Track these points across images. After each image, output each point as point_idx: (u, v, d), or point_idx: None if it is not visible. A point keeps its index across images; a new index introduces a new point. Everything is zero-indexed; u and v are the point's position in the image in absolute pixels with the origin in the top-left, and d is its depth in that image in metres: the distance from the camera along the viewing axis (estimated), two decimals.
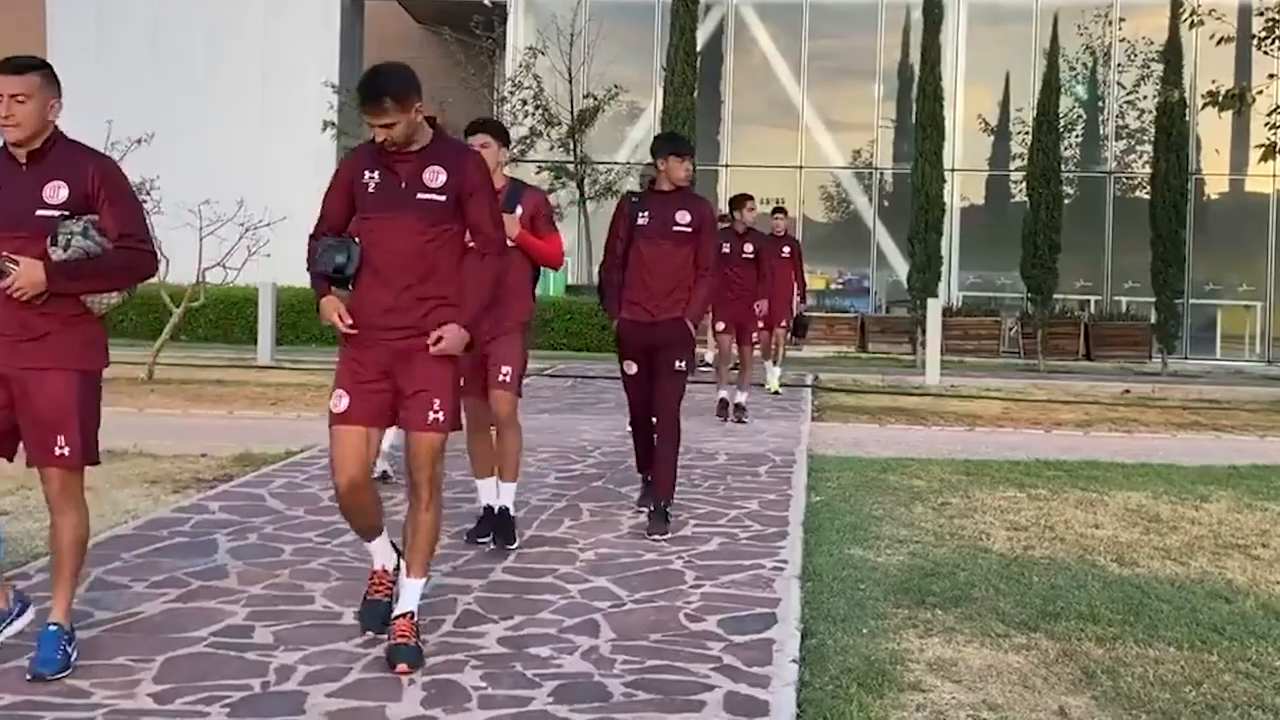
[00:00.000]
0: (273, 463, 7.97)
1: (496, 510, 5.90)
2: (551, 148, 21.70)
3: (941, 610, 4.98)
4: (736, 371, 11.00)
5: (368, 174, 4.28)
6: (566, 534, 6.17)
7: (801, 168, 23.26)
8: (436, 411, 4.23)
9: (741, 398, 10.80)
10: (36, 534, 5.79)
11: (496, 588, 5.17)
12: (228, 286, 15.24)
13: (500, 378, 5.73)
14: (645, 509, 6.44)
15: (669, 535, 6.13)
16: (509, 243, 4.82)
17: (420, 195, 4.22)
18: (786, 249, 12.50)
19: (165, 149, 15.09)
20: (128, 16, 23.34)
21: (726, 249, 10.24)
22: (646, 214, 6.41)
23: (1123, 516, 7.02)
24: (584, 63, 21.56)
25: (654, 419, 6.50)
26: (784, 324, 12.56)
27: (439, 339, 4.19)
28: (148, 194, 13.09)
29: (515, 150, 22.93)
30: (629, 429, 6.93)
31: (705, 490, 7.46)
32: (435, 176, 4.23)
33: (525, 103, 21.18)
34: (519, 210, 5.74)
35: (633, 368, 6.43)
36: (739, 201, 10.87)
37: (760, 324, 11.08)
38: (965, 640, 4.61)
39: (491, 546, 5.83)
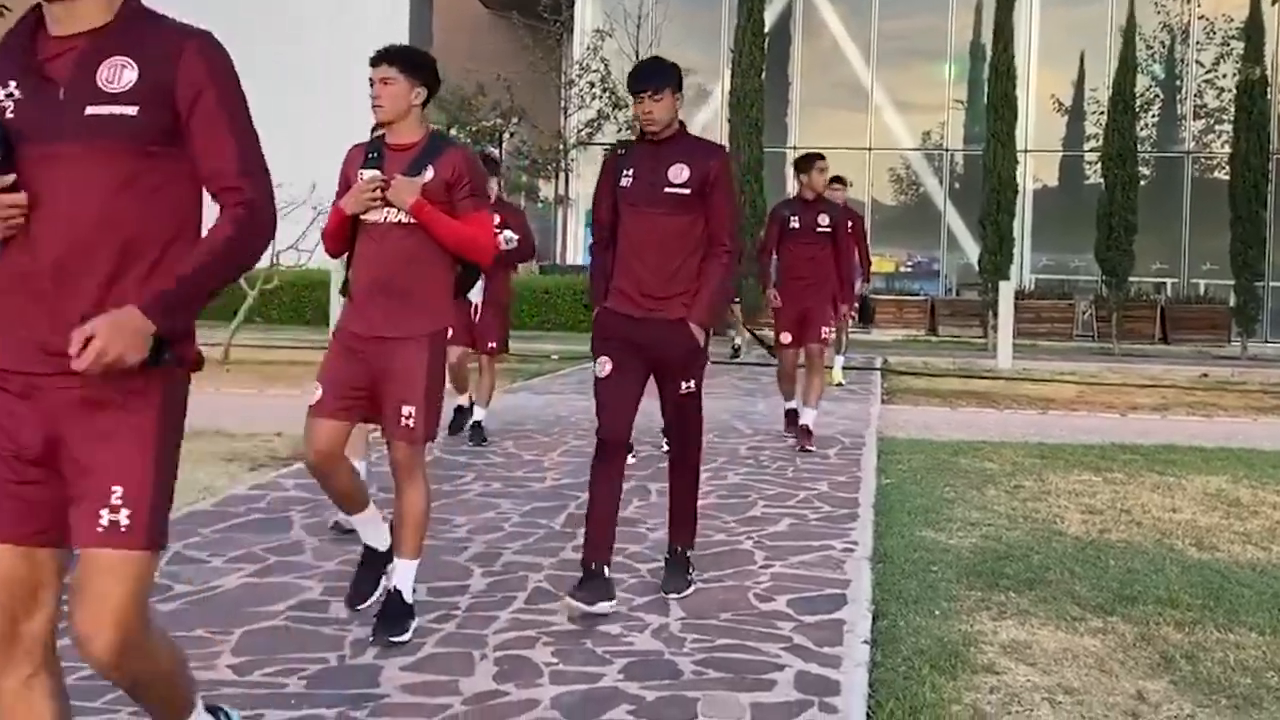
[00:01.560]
0: None
1: (390, 589, 4.24)
2: (619, 130, 21.71)
3: (1015, 593, 4.92)
4: (804, 371, 8.59)
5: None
6: (635, 514, 6.18)
7: (871, 150, 23.04)
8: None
9: (809, 417, 8.34)
10: None
11: (566, 566, 5.20)
12: (301, 269, 15.45)
13: (403, 421, 4.12)
14: (579, 603, 4.40)
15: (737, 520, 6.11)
16: (407, 219, 4.18)
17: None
18: (849, 223, 11.24)
19: None
20: (204, 9, 23.68)
21: (795, 223, 8.47)
22: (631, 172, 4.69)
23: (1201, 500, 6.89)
24: (651, 45, 21.51)
25: (630, 453, 6.14)
26: (848, 308, 10.51)
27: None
28: None
29: (583, 133, 23.03)
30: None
31: (774, 472, 7.44)
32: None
33: (593, 85, 21.20)
34: (428, 173, 4.18)
35: (606, 366, 4.63)
36: (807, 162, 8.60)
37: (833, 316, 8.87)
38: (1040, 623, 4.55)
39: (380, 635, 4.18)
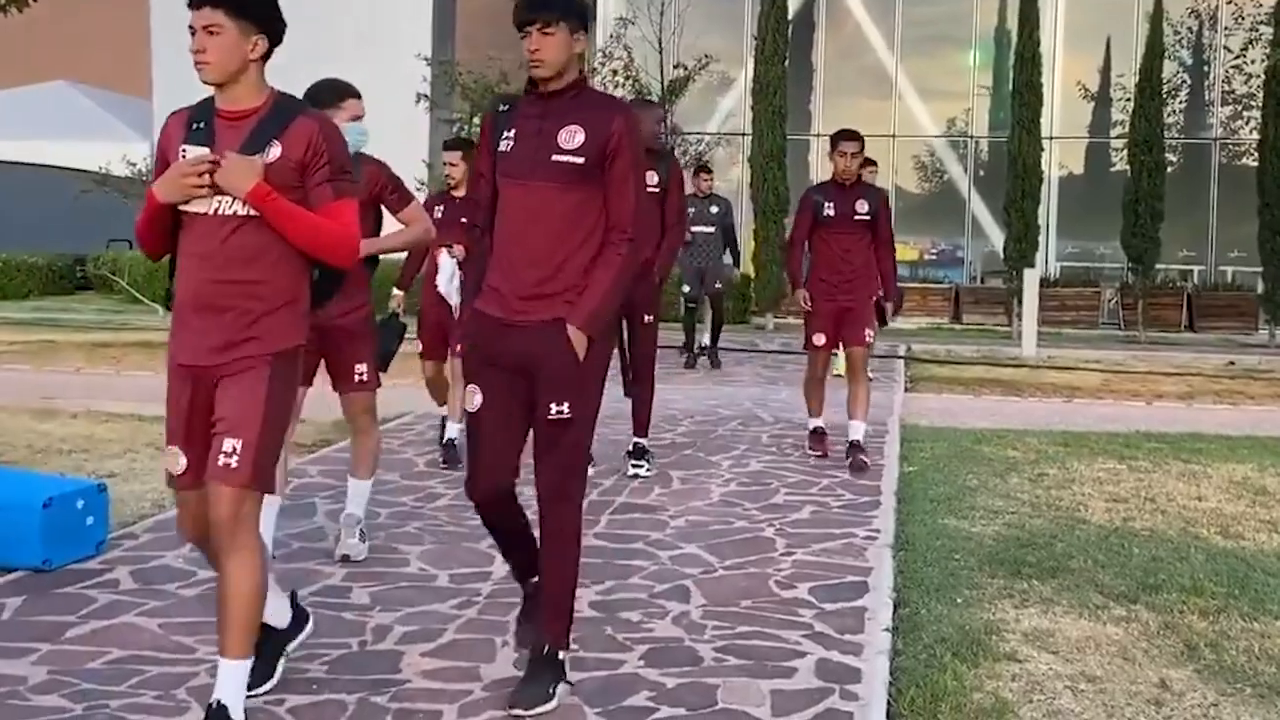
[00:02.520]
0: None
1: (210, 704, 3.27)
2: None
3: (1038, 581, 4.90)
4: (845, 380, 7.64)
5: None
6: (656, 501, 6.18)
7: (895, 137, 22.91)
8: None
9: (859, 431, 7.25)
10: (143, 495, 5.97)
11: (587, 553, 5.18)
12: None
13: (223, 460, 3.19)
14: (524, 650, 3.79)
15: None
16: (246, 210, 3.22)
17: None
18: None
19: None
20: None
21: (830, 210, 7.23)
22: (512, 134, 3.61)
23: (1227, 489, 6.84)
24: (674, 32, 21.43)
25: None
26: (893, 306, 9.37)
27: None
28: None
29: None
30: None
31: (797, 459, 7.43)
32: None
33: (616, 73, 21.14)
34: (273, 150, 3.25)
35: (475, 398, 3.60)
36: (831, 142, 7.37)
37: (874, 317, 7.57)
38: (1063, 611, 4.53)
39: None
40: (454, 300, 6.77)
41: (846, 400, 7.36)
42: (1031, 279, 16.57)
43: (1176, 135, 22.25)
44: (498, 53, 21.60)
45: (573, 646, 3.75)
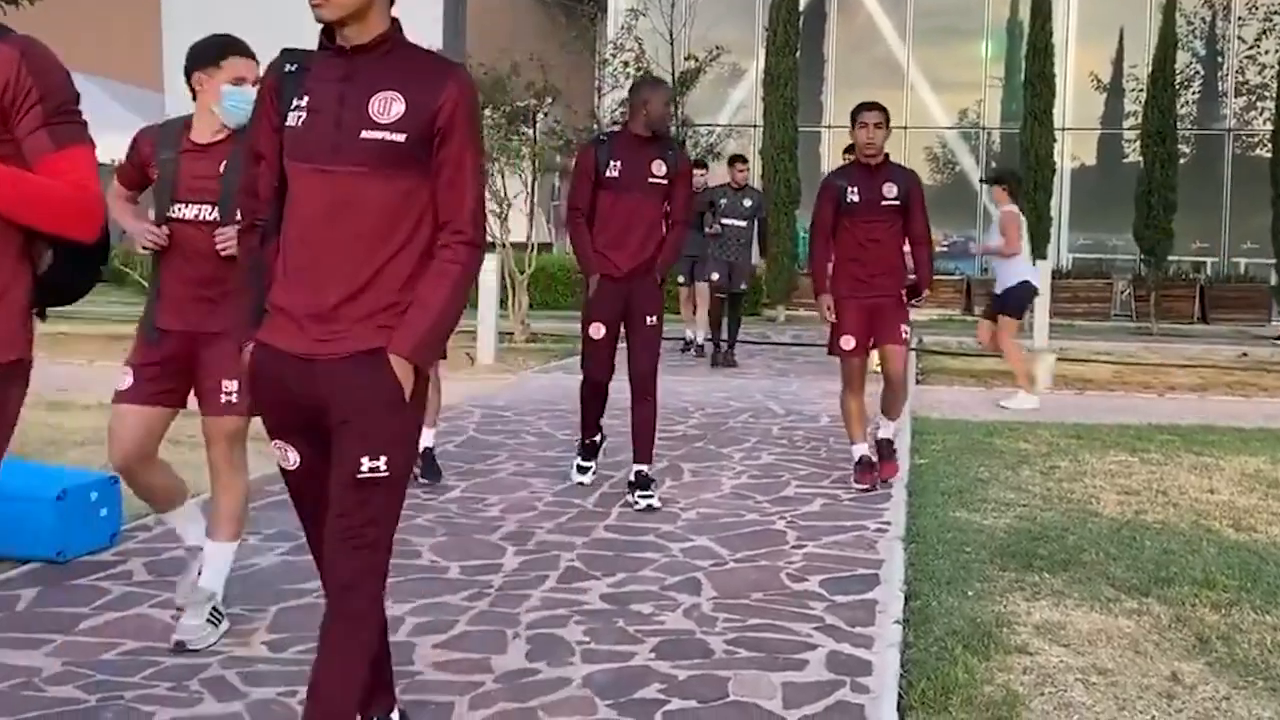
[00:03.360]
0: None
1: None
2: None
3: (1049, 574, 4.89)
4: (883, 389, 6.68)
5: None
6: (668, 494, 6.18)
7: (907, 128, 22.84)
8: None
9: (889, 430, 6.71)
10: None
11: (599, 545, 5.21)
12: None
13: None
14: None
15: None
16: None
17: None
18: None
19: None
20: None
21: (854, 195, 6.38)
22: (303, 105, 2.71)
23: (1239, 482, 6.82)
24: (685, 24, 21.39)
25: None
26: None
27: None
28: None
29: (617, 113, 22.95)
30: None
31: (808, 452, 7.43)
32: None
33: (627, 65, 21.12)
34: None
35: (290, 454, 2.81)
36: (867, 109, 6.45)
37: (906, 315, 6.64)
38: (1074, 604, 4.52)
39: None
40: None
41: (881, 398, 6.62)
42: (1043, 270, 16.53)
43: (1189, 126, 22.15)
44: (509, 44, 21.60)
45: (583, 639, 3.74)
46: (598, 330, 6.06)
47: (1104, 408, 9.75)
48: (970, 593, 4.62)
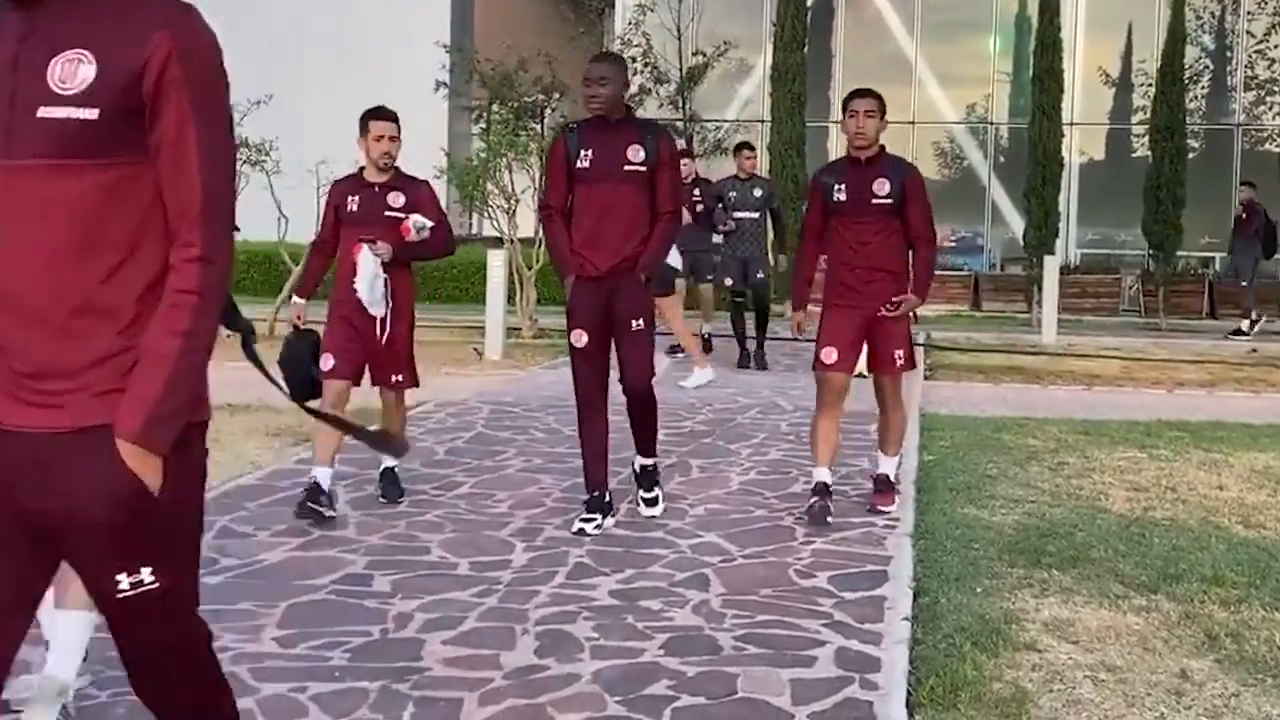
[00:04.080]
0: None
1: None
2: (660, 105, 21.60)
3: (1058, 570, 4.89)
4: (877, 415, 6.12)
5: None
6: (676, 490, 6.19)
7: (915, 124, 22.81)
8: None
9: (889, 466, 5.93)
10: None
11: (608, 541, 5.22)
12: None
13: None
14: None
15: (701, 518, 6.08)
16: None
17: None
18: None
19: (284, 111, 15.38)
20: None
21: (841, 194, 5.65)
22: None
23: (1249, 478, 6.81)
24: (693, 19, 21.38)
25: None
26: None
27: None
28: (267, 154, 13.40)
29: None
30: None
31: None
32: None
33: (634, 60, 21.10)
34: None
35: None
36: (859, 96, 5.74)
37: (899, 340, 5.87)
38: (1083, 601, 4.52)
39: None
40: (378, 311, 5.56)
41: (877, 430, 5.99)
42: (1052, 266, 16.51)
43: (1198, 121, 22.08)
44: (516, 40, 21.60)
45: (592, 635, 3.75)
46: (579, 337, 5.40)
47: (1112, 404, 9.74)
48: (979, 589, 4.62)
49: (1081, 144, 22.82)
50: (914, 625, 4.21)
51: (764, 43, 22.01)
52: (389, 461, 5.81)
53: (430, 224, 5.62)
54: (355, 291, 5.52)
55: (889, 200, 5.66)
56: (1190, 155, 20.02)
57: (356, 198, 5.64)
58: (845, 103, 5.78)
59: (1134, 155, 22.53)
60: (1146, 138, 19.99)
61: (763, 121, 21.34)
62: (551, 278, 15.66)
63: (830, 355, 5.68)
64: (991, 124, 23.32)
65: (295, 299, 5.79)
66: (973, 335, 16.03)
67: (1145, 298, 20.26)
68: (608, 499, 5.46)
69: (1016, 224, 21.38)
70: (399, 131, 5.66)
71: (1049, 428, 8.26)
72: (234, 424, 7.57)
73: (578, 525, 5.32)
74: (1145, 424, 8.49)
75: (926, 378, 11.24)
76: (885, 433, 5.93)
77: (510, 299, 12.96)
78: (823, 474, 5.71)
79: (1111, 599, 4.55)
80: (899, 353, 5.73)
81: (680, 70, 21.31)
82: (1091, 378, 11.60)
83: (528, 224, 16.00)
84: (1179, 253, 19.75)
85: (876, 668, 3.80)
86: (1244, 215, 17.26)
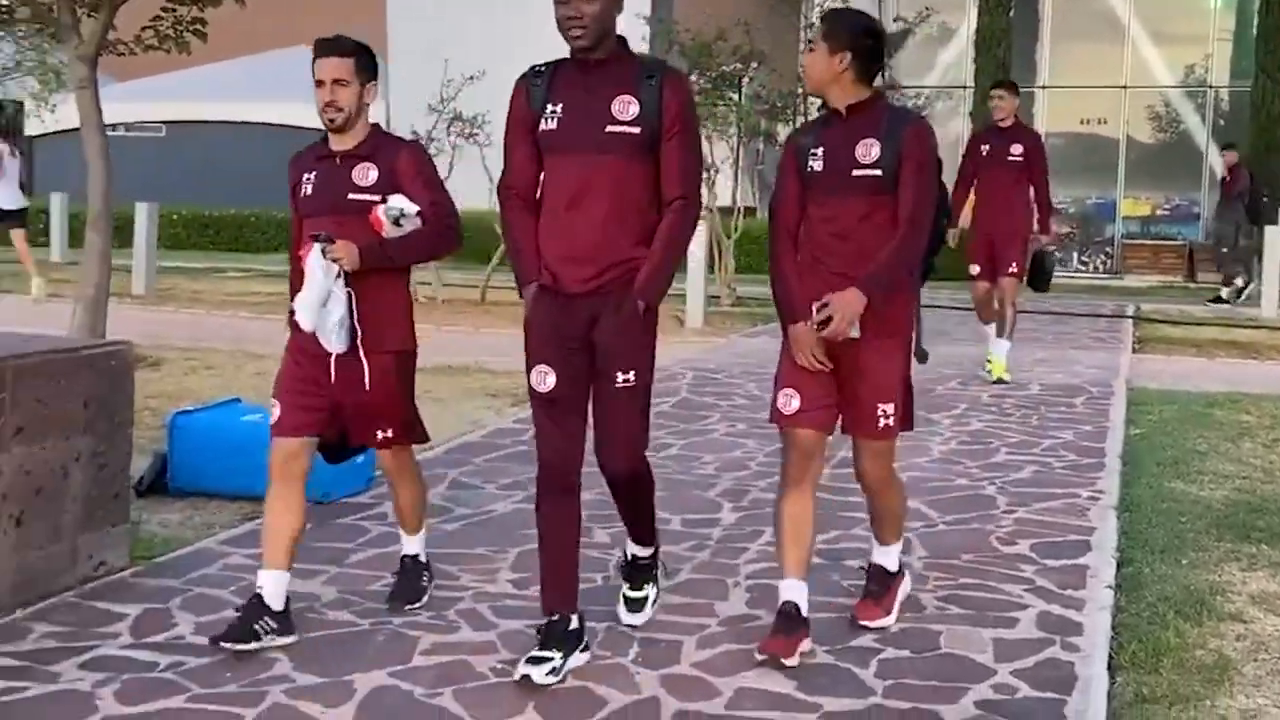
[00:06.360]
0: None
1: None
2: None
3: (1268, 545, 4.87)
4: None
5: None
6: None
7: (1126, 88, 22.01)
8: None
9: (890, 556, 4.14)
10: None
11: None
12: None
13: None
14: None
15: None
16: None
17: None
18: (1017, 148, 8.56)
19: (495, 85, 15.96)
20: None
21: (816, 161, 3.71)
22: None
23: None
24: None
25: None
26: (1014, 270, 8.53)
27: None
28: (479, 129, 13.97)
29: None
30: None
31: (1018, 420, 7.44)
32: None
33: None
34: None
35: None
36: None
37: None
38: None
39: None
40: (334, 343, 3.74)
41: (869, 513, 4.21)
42: (1274, 236, 15.78)
43: None
44: (714, 9, 21.76)
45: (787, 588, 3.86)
46: (541, 377, 3.54)
47: None
48: (1184, 561, 4.65)
49: None
50: (1117, 593, 4.30)
51: (968, 6, 21.57)
52: (409, 548, 4.14)
53: (415, 208, 3.76)
54: (294, 318, 3.77)
55: (876, 171, 3.70)
56: None
57: (312, 175, 3.85)
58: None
59: None
60: None
61: (965, 88, 20.97)
62: (750, 244, 15.86)
63: (789, 403, 3.77)
64: (1211, 87, 22.26)
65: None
66: (1185, 308, 15.51)
67: None
68: (573, 625, 3.58)
69: None
70: (355, 72, 3.77)
71: (1264, 404, 8.04)
72: (454, 385, 8.07)
73: (521, 670, 3.46)
74: None
75: (1135, 350, 11.00)
76: (878, 515, 4.10)
77: (710, 267, 13.22)
78: (792, 588, 3.77)
79: None
80: (885, 408, 3.81)
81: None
82: None
83: (725, 193, 16.21)
84: None
85: (1078, 631, 3.91)
86: (1228, 178, 16.74)
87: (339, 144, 3.81)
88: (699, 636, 3.85)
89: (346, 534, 4.82)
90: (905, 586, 4.14)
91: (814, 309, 3.65)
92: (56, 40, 9.67)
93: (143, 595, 4.09)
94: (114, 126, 12.13)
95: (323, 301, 3.68)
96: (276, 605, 3.67)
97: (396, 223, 3.71)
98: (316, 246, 3.67)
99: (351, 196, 3.75)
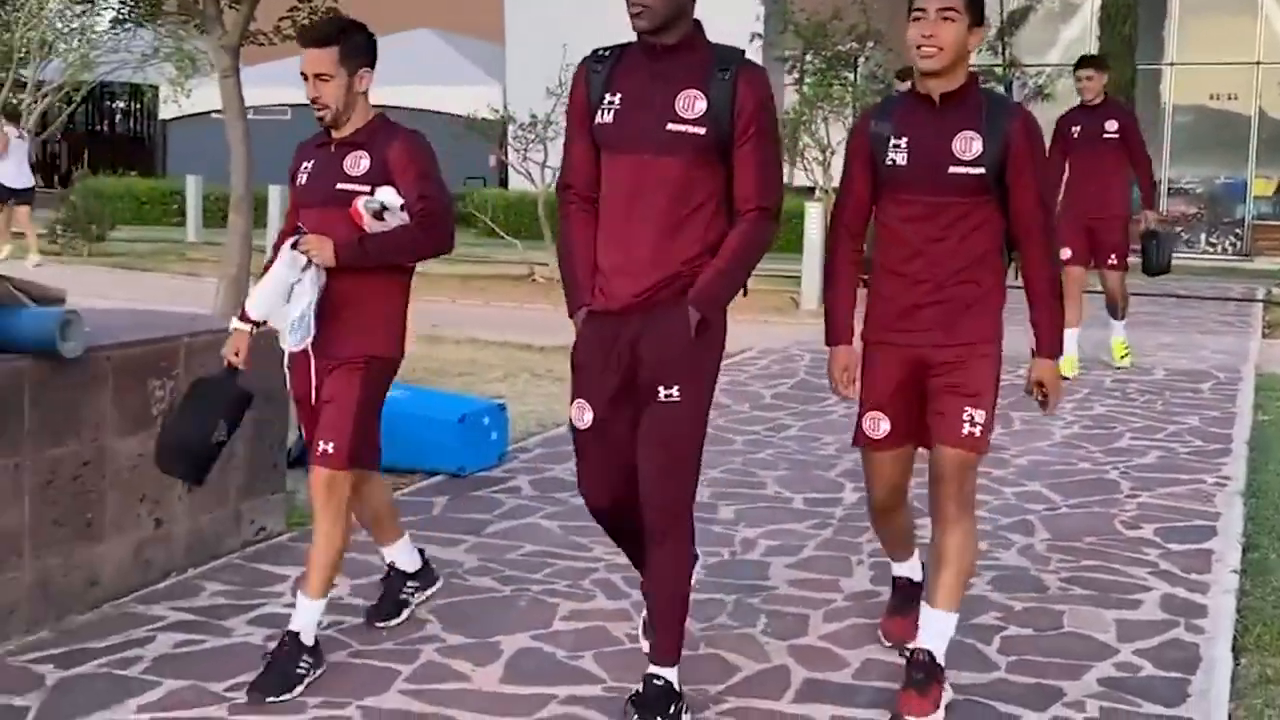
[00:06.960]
0: None
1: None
2: (979, 51, 21.18)
3: None
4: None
5: None
6: (998, 440, 6.30)
7: (1260, 64, 21.33)
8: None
9: (941, 635, 3.36)
10: (529, 415, 6.70)
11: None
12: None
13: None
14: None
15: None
16: None
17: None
18: (1112, 124, 8.19)
19: None
20: None
21: (898, 154, 3.33)
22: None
23: None
24: None
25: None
26: (1115, 261, 8.14)
27: None
28: None
29: None
30: None
31: (1142, 405, 7.39)
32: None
33: None
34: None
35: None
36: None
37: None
38: None
39: None
40: (290, 341, 3.48)
41: (928, 558, 3.56)
42: None
43: None
44: None
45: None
46: (581, 413, 3.19)
47: None
48: None
49: None
50: (1242, 577, 4.32)
51: None
52: (394, 557, 3.89)
53: (400, 202, 3.43)
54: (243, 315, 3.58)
55: (979, 170, 3.31)
56: None
57: (310, 164, 3.60)
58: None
59: None
60: None
61: None
62: None
63: (876, 427, 3.52)
64: None
65: (235, 321, 3.63)
66: None
67: None
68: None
69: None
70: (339, 62, 3.45)
71: None
72: (548, 360, 8.12)
73: None
74: None
75: (1265, 335, 10.77)
76: (938, 564, 3.39)
77: (826, 248, 13.22)
78: (903, 567, 3.83)
79: None
80: (971, 413, 3.42)
81: (1000, 14, 20.76)
82: None
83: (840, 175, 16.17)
84: None
85: (1203, 614, 3.96)
86: None
87: (337, 131, 3.52)
88: (825, 610, 3.98)
89: (484, 505, 5.05)
90: (948, 692, 3.33)
91: (1030, 392, 3.66)
92: (201, 31, 10.09)
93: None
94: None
95: (283, 295, 3.42)
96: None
97: (378, 216, 3.39)
98: (288, 240, 3.47)
99: (340, 186, 3.45)
